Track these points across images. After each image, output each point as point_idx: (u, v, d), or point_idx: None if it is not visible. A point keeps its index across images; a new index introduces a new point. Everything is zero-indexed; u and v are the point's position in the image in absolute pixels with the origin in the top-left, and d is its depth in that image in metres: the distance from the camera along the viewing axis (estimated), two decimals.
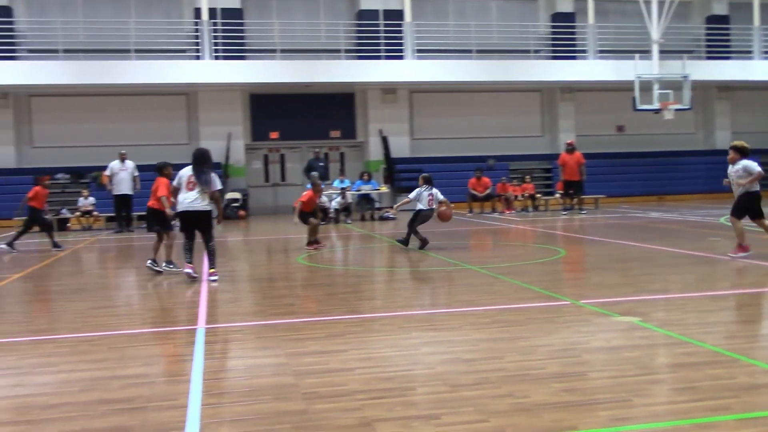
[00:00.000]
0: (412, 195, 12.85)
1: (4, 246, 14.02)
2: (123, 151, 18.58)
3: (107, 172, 18.41)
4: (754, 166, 10.02)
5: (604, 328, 5.99)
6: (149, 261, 10.31)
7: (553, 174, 24.72)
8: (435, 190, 12.79)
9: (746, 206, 10.11)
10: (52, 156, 22.58)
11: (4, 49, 21.82)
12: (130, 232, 17.86)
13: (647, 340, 5.59)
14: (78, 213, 19.74)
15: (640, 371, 4.74)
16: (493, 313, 6.71)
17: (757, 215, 10.14)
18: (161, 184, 10.46)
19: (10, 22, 22.51)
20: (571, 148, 20.40)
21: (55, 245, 14.05)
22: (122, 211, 18.31)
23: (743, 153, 10.18)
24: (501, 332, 5.94)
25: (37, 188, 14.29)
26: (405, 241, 12.54)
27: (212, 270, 9.49)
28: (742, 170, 10.06)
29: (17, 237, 14.24)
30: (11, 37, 22.39)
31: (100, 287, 9.72)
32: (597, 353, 5.25)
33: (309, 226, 13.02)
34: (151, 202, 10.62)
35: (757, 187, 10.14)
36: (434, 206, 12.62)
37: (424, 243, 12.28)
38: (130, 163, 18.31)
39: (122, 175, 18.21)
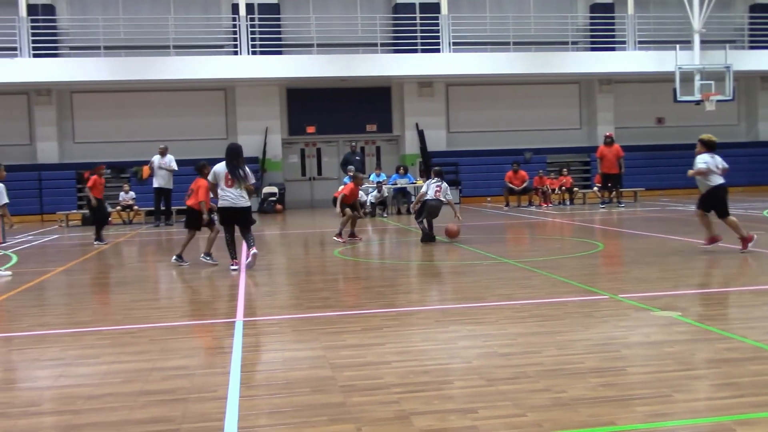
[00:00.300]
0: (423, 188, 12.96)
1: (95, 243, 14.11)
2: (162, 146, 18.81)
3: (150, 166, 18.64)
4: (701, 161, 10.06)
5: (643, 323, 5.92)
6: (174, 257, 10.60)
7: (591, 167, 24.45)
8: (445, 185, 12.83)
9: (709, 200, 10.12)
10: (93, 151, 22.97)
11: (48, 47, 22.26)
12: (169, 226, 18.09)
13: (687, 335, 5.51)
14: (119, 207, 20.06)
15: (680, 366, 4.68)
16: (531, 307, 6.68)
17: (721, 214, 10.14)
18: (201, 187, 10.59)
19: (53, 20, 22.94)
20: (609, 141, 20.15)
21: (99, 239, 14.24)
22: (161, 205, 18.55)
23: (709, 147, 10.21)
24: (538, 326, 5.91)
25: (95, 177, 14.47)
26: (429, 236, 12.45)
27: (252, 247, 9.83)
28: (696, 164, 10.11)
29: (98, 231, 14.34)
30: (54, 34, 22.82)
31: (141, 280, 9.87)
32: (636, 348, 5.20)
33: (344, 216, 13.10)
34: (190, 201, 10.78)
35: (717, 181, 10.12)
36: (441, 198, 12.63)
37: (427, 237, 12.32)
38: (170, 157, 18.53)
39: (162, 169, 18.46)
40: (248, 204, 10.09)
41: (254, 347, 5.62)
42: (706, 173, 10.02)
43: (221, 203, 9.94)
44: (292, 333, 6.03)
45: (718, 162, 10.28)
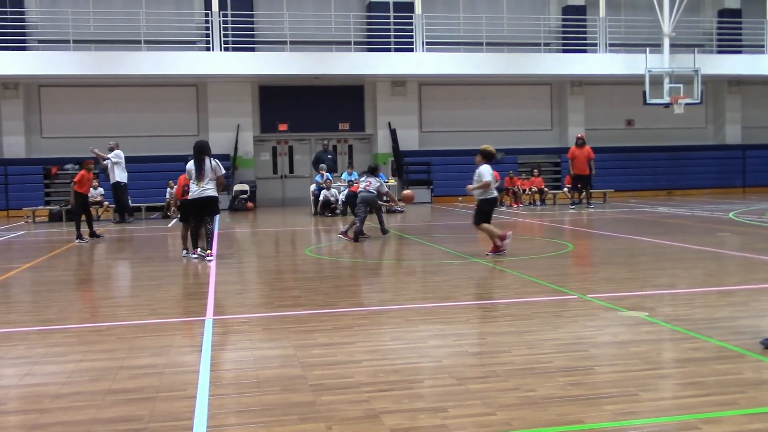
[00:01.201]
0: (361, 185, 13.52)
1: (76, 241, 13.90)
2: (112, 142, 18.60)
3: (114, 158, 18.30)
4: (486, 173, 10.26)
5: (611, 323, 5.99)
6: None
7: (561, 168, 24.66)
8: (376, 180, 13.35)
9: (486, 210, 10.43)
10: (61, 146, 22.67)
11: (15, 39, 21.90)
12: (128, 223, 17.94)
13: (654, 335, 5.59)
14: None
15: (647, 366, 4.75)
16: (501, 307, 6.72)
17: (479, 222, 10.48)
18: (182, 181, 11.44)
19: (21, 13, 22.58)
20: (581, 142, 20.34)
21: (80, 237, 14.02)
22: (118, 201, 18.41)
23: (487, 158, 10.41)
24: (508, 326, 5.95)
25: (82, 172, 14.20)
26: (362, 233, 13.00)
27: (209, 251, 10.52)
28: (476, 175, 10.37)
29: (78, 228, 14.14)
30: (22, 27, 22.46)
31: (109, 278, 9.78)
32: (604, 348, 5.26)
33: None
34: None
35: (493, 194, 10.45)
36: (371, 190, 13.21)
37: (356, 235, 12.77)
38: (119, 153, 18.31)
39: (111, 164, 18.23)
40: (215, 194, 10.65)
41: (224, 346, 5.59)
42: (488, 186, 10.35)
43: (189, 196, 10.64)
44: (263, 332, 6.01)
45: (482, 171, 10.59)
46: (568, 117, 25.83)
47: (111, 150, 18.30)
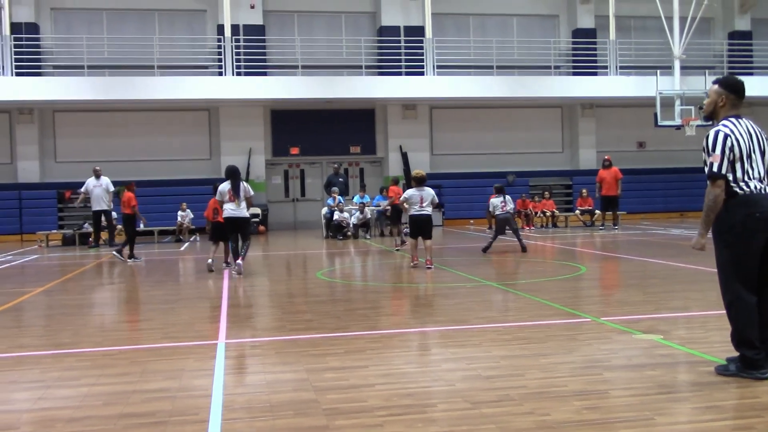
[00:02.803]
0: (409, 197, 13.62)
1: (130, 261, 14.43)
2: (97, 167, 18.39)
3: (83, 189, 18.04)
4: (407, 194, 12.24)
5: (625, 346, 5.95)
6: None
7: (573, 190, 24.63)
8: (508, 198, 14.65)
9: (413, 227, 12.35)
10: (74, 171, 22.80)
11: (31, 65, 22.17)
12: (106, 247, 17.73)
13: (669, 358, 5.54)
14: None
15: (663, 390, 4.70)
16: (514, 330, 6.68)
17: (426, 236, 12.15)
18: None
19: (37, 39, 22.87)
20: (608, 164, 20.37)
21: (132, 256, 14.59)
22: (99, 227, 18.25)
23: (418, 182, 12.30)
24: (522, 349, 5.91)
25: (129, 194, 14.70)
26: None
27: (239, 261, 11.59)
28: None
29: (128, 246, 14.61)
30: (37, 53, 22.75)
31: (122, 301, 9.80)
32: (619, 371, 5.22)
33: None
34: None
35: (410, 212, 12.24)
36: (508, 209, 14.54)
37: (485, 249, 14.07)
38: (104, 179, 18.13)
39: (97, 192, 17.91)
40: (247, 215, 12.06)
41: (236, 369, 5.58)
42: (395, 203, 12.27)
43: (225, 215, 11.92)
44: (275, 355, 6.00)
45: (425, 195, 12.18)
46: (579, 139, 25.84)
47: (98, 176, 18.10)
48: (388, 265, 13.18)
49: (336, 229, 19.52)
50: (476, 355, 5.81)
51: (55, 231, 20.86)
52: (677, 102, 22.73)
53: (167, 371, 5.51)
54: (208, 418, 4.32)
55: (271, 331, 7.11)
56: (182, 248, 17.84)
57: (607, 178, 20.15)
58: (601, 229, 19.83)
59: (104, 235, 18.95)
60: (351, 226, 19.65)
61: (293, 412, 4.40)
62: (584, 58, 25.09)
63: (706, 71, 23.58)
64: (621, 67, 24.52)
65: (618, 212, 20.55)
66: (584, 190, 22.07)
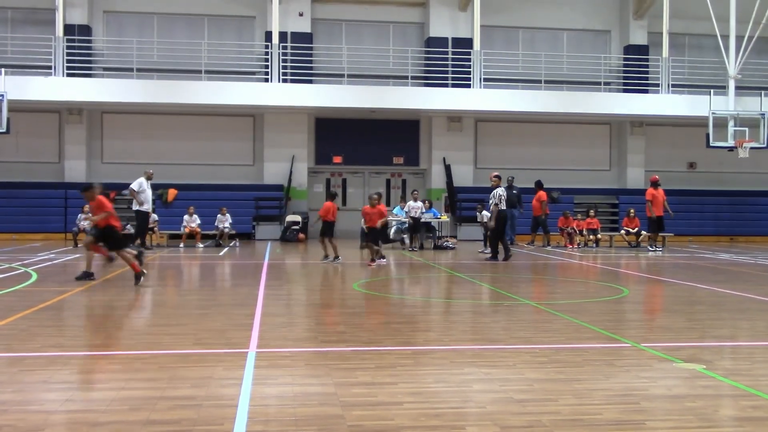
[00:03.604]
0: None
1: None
2: (150, 170, 18.80)
3: (135, 187, 18.28)
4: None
5: (665, 375, 5.78)
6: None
7: (619, 209, 24.26)
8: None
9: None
10: (119, 171, 23.21)
11: (82, 67, 22.66)
12: (148, 250, 17.93)
13: (711, 389, 5.36)
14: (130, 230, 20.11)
15: (703, 423, 4.54)
16: (550, 353, 6.55)
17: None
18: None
19: (89, 41, 23.37)
20: (657, 184, 20.05)
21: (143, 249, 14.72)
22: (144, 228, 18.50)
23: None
24: (557, 373, 5.78)
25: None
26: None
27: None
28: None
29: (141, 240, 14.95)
30: (89, 54, 23.24)
31: (157, 304, 9.89)
32: (657, 401, 5.06)
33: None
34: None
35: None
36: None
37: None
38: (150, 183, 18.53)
39: (150, 194, 18.41)
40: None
41: (264, 380, 5.55)
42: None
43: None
44: (305, 367, 5.96)
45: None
46: (628, 157, 25.47)
47: (149, 178, 18.45)
48: (427, 279, 13.09)
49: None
50: (509, 376, 5.70)
51: None
52: (731, 123, 22.27)
53: (195, 378, 5.51)
54: (233, 429, 4.29)
55: (303, 342, 7.08)
56: (221, 253, 17.99)
57: (658, 197, 19.83)
58: (650, 251, 19.49)
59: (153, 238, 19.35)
60: (391, 236, 19.73)
61: (317, 428, 4.34)
62: (635, 74, 24.74)
63: (762, 92, 23.04)
64: (673, 86, 24.12)
65: (662, 234, 20.14)
66: (632, 210, 21.72)
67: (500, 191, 14.67)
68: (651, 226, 20.14)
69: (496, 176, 15.28)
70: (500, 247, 15.34)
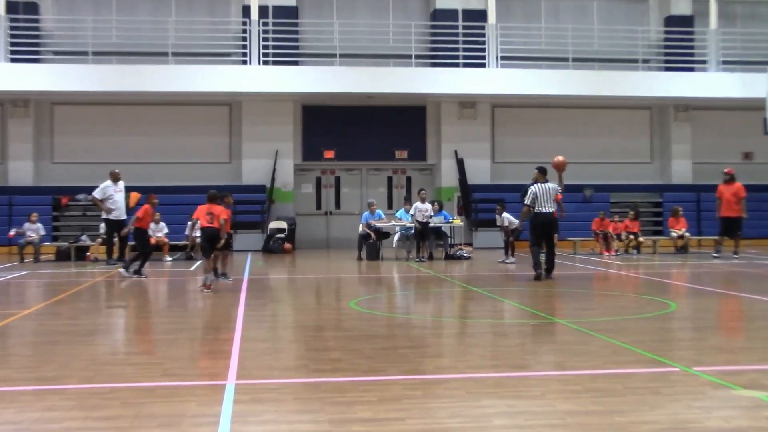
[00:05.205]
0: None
1: (126, 273, 15.21)
2: (117, 170, 18.48)
3: (98, 195, 17.96)
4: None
5: (722, 404, 5.75)
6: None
7: (663, 209, 24.27)
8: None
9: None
10: (73, 173, 23.26)
11: (28, 51, 22.68)
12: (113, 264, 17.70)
13: None
14: (99, 240, 20.12)
15: None
16: (584, 380, 6.53)
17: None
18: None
19: (35, 20, 23.41)
20: (729, 178, 20.01)
21: (138, 272, 15.14)
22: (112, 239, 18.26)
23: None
24: (593, 404, 5.76)
25: (146, 206, 15.24)
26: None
27: None
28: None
29: (138, 262, 15.29)
30: (36, 37, 23.27)
31: (118, 329, 9.86)
32: None
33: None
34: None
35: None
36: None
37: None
38: (121, 184, 18.27)
39: (119, 198, 17.99)
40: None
41: (246, 417, 5.52)
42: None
43: None
44: (294, 401, 5.94)
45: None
46: (671, 148, 25.49)
47: (117, 180, 18.26)
48: (437, 295, 13.07)
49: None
50: (537, 409, 5.68)
51: (47, 243, 21.17)
52: None
53: (164, 416, 5.48)
54: None
55: (291, 372, 7.06)
56: (193, 267, 17.98)
57: (727, 194, 19.78)
58: (715, 257, 19.46)
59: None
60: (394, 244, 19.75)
61: None
62: (679, 50, 24.75)
63: None
64: (723, 62, 24.12)
65: (740, 238, 20.04)
66: (679, 208, 21.69)
67: (535, 188, 14.26)
68: (722, 228, 20.11)
69: (538, 169, 14.77)
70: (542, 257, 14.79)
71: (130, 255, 16.74)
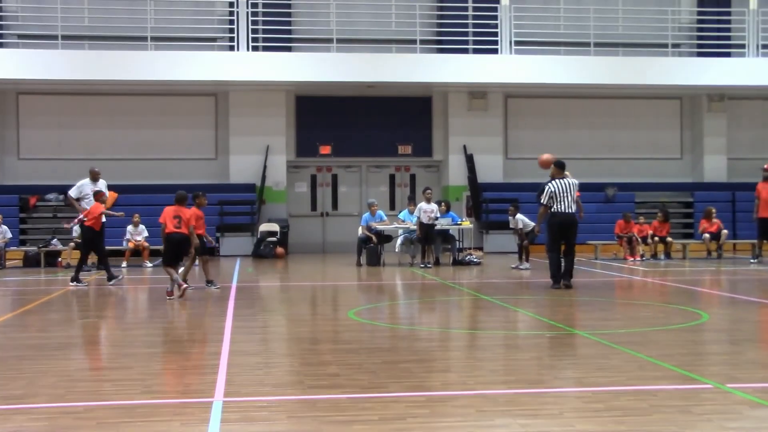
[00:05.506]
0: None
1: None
2: (96, 168, 18.39)
3: (73, 194, 17.73)
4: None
5: (759, 425, 5.80)
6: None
7: (695, 209, 24.27)
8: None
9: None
10: (42, 170, 23.26)
11: None
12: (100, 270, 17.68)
13: None
14: (72, 244, 20.14)
15: None
16: (607, 397, 6.57)
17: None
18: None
19: None
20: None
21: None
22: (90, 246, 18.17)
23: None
24: (616, 423, 5.80)
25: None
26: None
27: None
28: None
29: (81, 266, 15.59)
30: None
31: (94, 342, 9.89)
32: None
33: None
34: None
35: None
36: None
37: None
38: (102, 183, 18.21)
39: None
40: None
41: None
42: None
43: None
44: (287, 420, 5.98)
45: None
46: (704, 142, 25.48)
47: (96, 178, 18.22)
48: (444, 304, 13.10)
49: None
50: (554, 429, 5.72)
51: (14, 248, 21.20)
52: None
53: None
54: None
55: (284, 388, 7.10)
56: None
57: (765, 193, 19.80)
58: (752, 262, 19.51)
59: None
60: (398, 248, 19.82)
61: None
62: (713, 33, 24.76)
63: None
64: (764, 47, 24.12)
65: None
66: (713, 209, 21.71)
67: (551, 186, 14.01)
68: (758, 230, 20.14)
69: (555, 164, 14.44)
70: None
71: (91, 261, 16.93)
